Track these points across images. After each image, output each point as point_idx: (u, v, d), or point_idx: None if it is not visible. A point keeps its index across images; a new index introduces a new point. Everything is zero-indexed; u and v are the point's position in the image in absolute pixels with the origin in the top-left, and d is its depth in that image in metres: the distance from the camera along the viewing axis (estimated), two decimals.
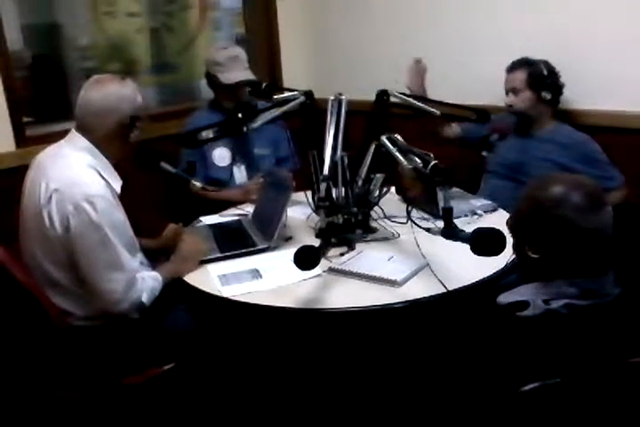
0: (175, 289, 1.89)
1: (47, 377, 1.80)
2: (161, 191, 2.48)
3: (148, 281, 1.83)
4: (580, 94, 2.47)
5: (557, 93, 2.46)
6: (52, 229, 1.73)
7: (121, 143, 1.83)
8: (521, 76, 2.43)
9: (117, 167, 1.88)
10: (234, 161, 2.70)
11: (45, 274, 1.81)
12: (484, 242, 1.47)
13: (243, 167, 2.71)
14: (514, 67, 2.47)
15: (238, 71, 2.56)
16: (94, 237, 1.71)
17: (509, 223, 1.36)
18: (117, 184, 1.84)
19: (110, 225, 1.73)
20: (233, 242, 2.06)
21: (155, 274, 1.87)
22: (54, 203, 1.72)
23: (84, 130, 1.81)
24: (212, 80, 2.64)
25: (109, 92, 1.80)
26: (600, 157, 2.38)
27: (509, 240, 1.41)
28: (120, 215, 1.81)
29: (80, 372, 1.79)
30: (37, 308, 1.76)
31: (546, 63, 2.44)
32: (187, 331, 1.87)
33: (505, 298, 1.30)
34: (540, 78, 2.42)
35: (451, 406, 1.25)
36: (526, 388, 1.08)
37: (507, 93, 2.49)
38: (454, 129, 2.67)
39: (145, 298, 1.80)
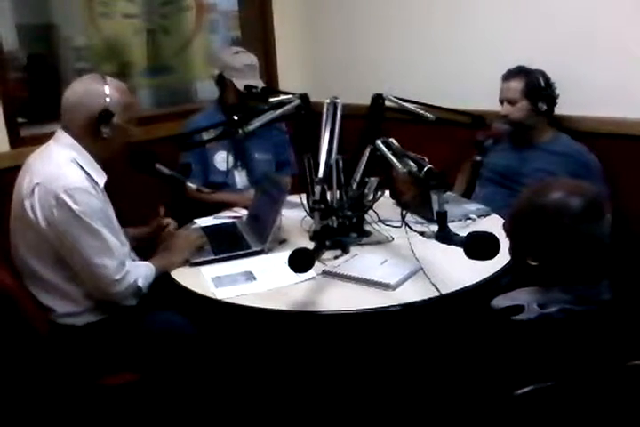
0: (160, 292, 1.90)
1: (24, 376, 1.81)
2: (158, 193, 2.47)
3: (141, 268, 1.88)
4: (580, 100, 2.44)
5: (553, 104, 2.45)
6: (36, 223, 1.76)
7: (96, 139, 1.83)
8: (517, 85, 2.40)
9: (109, 167, 1.89)
10: (235, 165, 2.71)
11: (30, 270, 1.83)
12: (478, 246, 1.48)
13: (244, 172, 2.73)
14: (510, 75, 2.44)
15: (252, 78, 2.61)
16: (78, 228, 1.74)
17: (506, 227, 1.35)
18: (101, 179, 1.86)
19: (92, 215, 1.76)
20: (227, 244, 2.06)
21: (147, 263, 1.92)
22: (37, 196, 1.75)
23: (65, 126, 1.86)
24: (224, 82, 2.66)
25: (79, 88, 1.85)
26: (593, 170, 2.35)
27: (503, 244, 1.42)
28: (103, 206, 1.83)
29: (57, 370, 1.80)
30: (14, 308, 1.77)
31: (542, 73, 2.42)
32: (172, 334, 1.87)
33: (499, 302, 1.30)
34: (536, 89, 2.39)
35: (445, 410, 1.25)
36: (520, 391, 1.08)
37: (501, 103, 2.46)
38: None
39: (141, 283, 1.84)
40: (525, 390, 1.08)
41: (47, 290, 1.84)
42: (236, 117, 2.08)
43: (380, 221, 2.13)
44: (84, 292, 1.84)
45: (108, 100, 1.81)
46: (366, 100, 2.11)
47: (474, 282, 1.71)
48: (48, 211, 1.74)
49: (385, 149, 1.88)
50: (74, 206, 1.73)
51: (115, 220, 1.93)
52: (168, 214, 2.18)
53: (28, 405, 1.82)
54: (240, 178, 2.73)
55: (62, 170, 1.78)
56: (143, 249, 2.06)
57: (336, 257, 1.90)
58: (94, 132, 1.82)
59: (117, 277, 1.79)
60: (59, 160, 1.81)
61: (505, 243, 1.39)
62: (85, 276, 1.80)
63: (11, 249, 1.89)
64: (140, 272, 1.86)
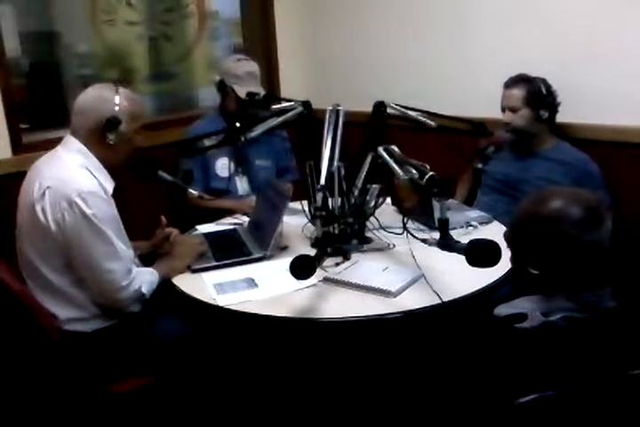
0: (166, 297, 1.90)
1: (35, 383, 1.81)
2: (159, 200, 2.48)
3: (145, 274, 1.88)
4: (581, 108, 2.44)
5: (554, 112, 2.45)
6: (46, 226, 1.76)
7: (102, 146, 1.85)
8: (519, 93, 2.40)
9: (114, 174, 1.90)
10: (236, 172, 2.72)
11: (37, 275, 1.83)
12: (480, 253, 1.48)
13: (245, 178, 2.74)
14: (511, 83, 2.44)
15: (253, 86, 2.63)
16: (89, 231, 1.75)
17: (507, 237, 1.35)
18: (110, 185, 1.87)
19: (103, 219, 1.77)
20: (229, 251, 2.06)
21: (150, 269, 1.93)
22: (47, 199, 1.75)
23: (73, 131, 1.87)
24: (225, 89, 2.67)
25: (91, 94, 1.87)
26: (596, 178, 2.35)
27: (505, 252, 1.42)
28: (113, 211, 1.85)
29: (67, 378, 1.80)
30: (28, 316, 1.77)
31: (544, 81, 2.42)
32: (180, 340, 1.88)
33: (502, 310, 1.30)
34: (538, 96, 2.40)
35: (447, 418, 1.25)
36: (523, 400, 1.08)
37: (503, 110, 2.46)
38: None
39: (145, 289, 1.84)
40: (527, 398, 1.07)
41: (54, 294, 1.83)
42: (238, 124, 2.09)
43: (381, 228, 2.13)
44: (90, 297, 1.84)
45: (116, 108, 1.83)
46: (368, 108, 2.12)
47: (475, 289, 1.71)
48: (59, 214, 1.74)
49: (387, 156, 1.89)
50: (87, 210, 1.74)
51: (122, 226, 1.93)
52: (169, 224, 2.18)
53: (38, 411, 1.82)
54: (241, 185, 2.74)
55: (74, 174, 1.79)
56: (146, 257, 2.06)
57: (337, 264, 1.90)
58: (100, 138, 1.84)
59: (124, 284, 1.79)
60: (69, 165, 1.82)
61: (506, 250, 1.39)
62: (92, 280, 1.80)
63: (17, 254, 1.89)
64: (145, 279, 1.86)
